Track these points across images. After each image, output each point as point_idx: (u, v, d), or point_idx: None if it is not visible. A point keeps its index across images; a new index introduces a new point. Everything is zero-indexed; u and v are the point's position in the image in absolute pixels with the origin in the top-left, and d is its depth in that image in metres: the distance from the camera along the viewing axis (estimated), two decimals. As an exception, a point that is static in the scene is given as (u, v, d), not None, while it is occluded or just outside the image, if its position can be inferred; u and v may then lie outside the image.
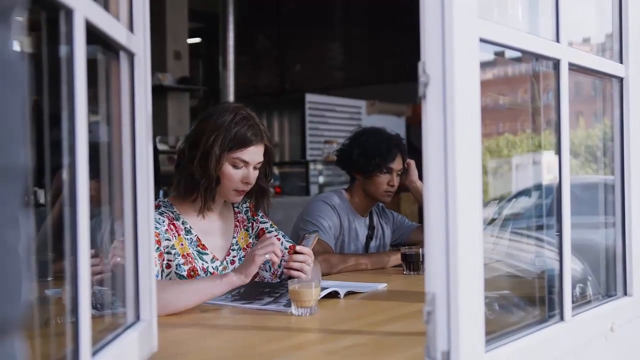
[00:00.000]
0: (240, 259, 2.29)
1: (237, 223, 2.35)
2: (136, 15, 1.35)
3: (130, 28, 1.33)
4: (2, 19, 0.53)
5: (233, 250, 2.30)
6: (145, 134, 1.36)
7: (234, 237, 2.31)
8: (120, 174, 1.34)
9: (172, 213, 2.19)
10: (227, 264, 2.26)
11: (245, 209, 2.39)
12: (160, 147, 6.97)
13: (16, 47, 0.55)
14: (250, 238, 2.36)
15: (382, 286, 2.31)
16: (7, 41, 0.53)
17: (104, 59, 1.30)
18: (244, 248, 2.32)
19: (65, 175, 0.99)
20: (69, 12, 0.98)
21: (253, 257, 1.95)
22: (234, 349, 1.57)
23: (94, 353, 1.07)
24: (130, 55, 1.33)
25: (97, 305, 1.31)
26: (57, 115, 1.00)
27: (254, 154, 2.18)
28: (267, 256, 1.95)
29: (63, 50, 1.00)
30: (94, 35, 1.09)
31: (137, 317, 1.35)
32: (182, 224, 2.19)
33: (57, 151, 1.01)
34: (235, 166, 2.16)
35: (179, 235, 2.16)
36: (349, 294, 2.14)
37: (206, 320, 1.83)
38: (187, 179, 2.17)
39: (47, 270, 1.43)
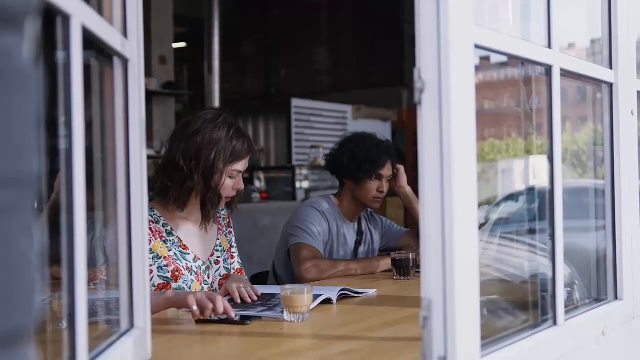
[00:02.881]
0: (224, 259, 2.38)
1: (220, 226, 2.43)
2: (130, 20, 1.34)
3: (125, 34, 1.32)
4: (15, 27, 0.53)
5: (217, 250, 2.38)
6: (139, 139, 1.36)
7: (217, 239, 2.39)
8: (114, 180, 1.33)
9: (152, 216, 2.23)
10: (210, 263, 2.33)
11: (223, 217, 2.47)
12: (146, 152, 6.94)
13: (28, 55, 0.55)
14: (228, 243, 2.45)
15: (372, 292, 2.32)
16: (20, 49, 0.53)
17: (97, 64, 1.29)
18: (227, 250, 2.41)
19: (62, 181, 0.99)
20: (66, 18, 0.97)
21: (187, 300, 1.83)
22: (228, 356, 1.56)
23: (90, 361, 1.06)
24: (125, 61, 1.32)
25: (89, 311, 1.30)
26: (53, 120, 1.00)
27: (246, 162, 2.30)
28: (194, 308, 1.79)
29: (59, 55, 0.99)
30: (89, 41, 1.09)
31: (132, 324, 1.34)
32: (163, 226, 2.25)
33: (49, 156, 1.00)
34: (231, 177, 2.26)
35: (156, 239, 2.21)
36: (342, 297, 2.14)
37: (200, 328, 1.82)
38: (185, 192, 2.22)
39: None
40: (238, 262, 2.48)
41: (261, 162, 8.21)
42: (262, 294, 2.19)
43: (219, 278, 2.33)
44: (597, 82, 1.80)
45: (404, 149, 7.63)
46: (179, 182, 2.21)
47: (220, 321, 1.84)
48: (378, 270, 2.81)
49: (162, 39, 7.72)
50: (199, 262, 2.28)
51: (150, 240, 2.16)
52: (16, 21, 0.53)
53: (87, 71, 1.19)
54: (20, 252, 0.51)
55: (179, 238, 2.26)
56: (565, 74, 1.56)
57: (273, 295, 2.16)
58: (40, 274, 0.55)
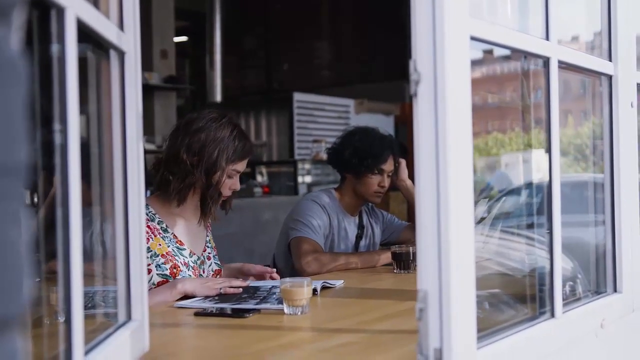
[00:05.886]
0: (214, 255, 2.44)
1: (208, 224, 2.47)
2: (126, 13, 1.34)
3: (121, 26, 1.32)
4: (3, 18, 0.53)
5: (208, 247, 2.43)
6: (136, 133, 1.36)
7: (207, 236, 2.44)
8: (110, 175, 1.33)
9: (147, 214, 2.24)
10: (204, 258, 2.38)
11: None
12: (147, 146, 6.94)
13: (16, 45, 0.55)
14: (213, 242, 2.50)
15: (340, 282, 2.34)
16: (8, 40, 0.53)
17: (93, 57, 1.29)
18: (214, 247, 2.47)
19: (57, 175, 0.99)
20: (61, 11, 0.97)
21: (209, 287, 2.10)
22: (226, 348, 1.57)
23: (87, 352, 1.07)
24: (121, 54, 1.32)
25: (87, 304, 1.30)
26: (47, 115, 1.00)
27: (245, 164, 2.35)
28: (221, 290, 2.10)
29: (54, 48, 0.99)
30: (84, 34, 1.09)
31: (129, 317, 1.34)
32: (158, 223, 2.27)
33: (47, 151, 1.00)
34: (229, 176, 2.29)
35: (155, 235, 2.23)
36: (323, 289, 2.18)
37: (197, 320, 1.83)
38: (186, 187, 2.24)
39: (37, 271, 1.42)
40: (216, 262, 2.48)
41: (263, 156, 8.21)
42: (248, 287, 2.19)
43: (211, 273, 2.37)
44: (597, 75, 1.79)
45: (407, 143, 7.65)
46: (181, 177, 2.23)
47: (219, 314, 1.84)
48: (378, 264, 2.82)
49: (163, 33, 7.71)
50: (194, 257, 2.32)
51: (148, 239, 2.19)
52: (3, 12, 0.53)
53: (83, 64, 1.19)
54: (8, 240, 0.51)
55: (174, 234, 2.29)
56: (564, 66, 1.55)
57: (257, 288, 2.16)
58: (29, 262, 0.55)
